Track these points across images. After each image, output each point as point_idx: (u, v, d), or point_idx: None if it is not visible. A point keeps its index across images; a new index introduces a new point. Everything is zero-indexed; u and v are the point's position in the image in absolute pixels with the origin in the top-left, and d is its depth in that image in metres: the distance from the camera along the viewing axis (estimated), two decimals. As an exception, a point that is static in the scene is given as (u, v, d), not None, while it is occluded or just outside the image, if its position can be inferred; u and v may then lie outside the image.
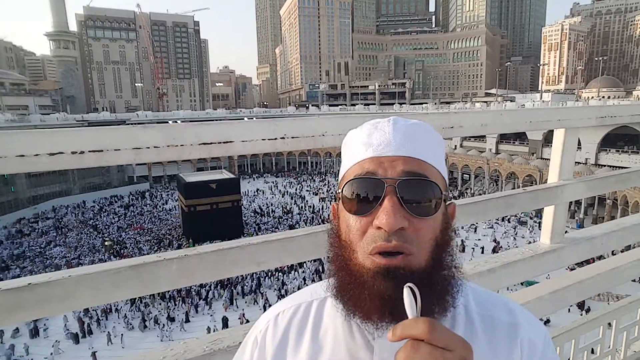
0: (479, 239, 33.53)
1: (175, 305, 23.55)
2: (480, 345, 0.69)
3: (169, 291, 24.46)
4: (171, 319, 21.95)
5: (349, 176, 0.69)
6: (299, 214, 44.62)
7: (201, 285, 25.01)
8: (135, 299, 23.65)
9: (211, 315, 22.44)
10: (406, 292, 0.56)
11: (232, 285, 25.42)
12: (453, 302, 0.67)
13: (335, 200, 0.72)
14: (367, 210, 0.64)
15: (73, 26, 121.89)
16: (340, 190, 0.69)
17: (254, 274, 26.33)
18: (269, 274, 27.03)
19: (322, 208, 46.27)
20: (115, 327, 21.46)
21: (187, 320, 22.05)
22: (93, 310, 22.62)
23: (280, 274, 27.28)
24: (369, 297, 0.63)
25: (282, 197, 53.41)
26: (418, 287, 0.56)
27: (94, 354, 18.65)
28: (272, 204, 48.84)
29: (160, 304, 23.56)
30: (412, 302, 0.55)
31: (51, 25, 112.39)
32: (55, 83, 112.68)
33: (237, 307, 23.40)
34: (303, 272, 27.59)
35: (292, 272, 27.61)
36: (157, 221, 43.48)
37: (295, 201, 50.69)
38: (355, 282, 0.65)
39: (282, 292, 24.78)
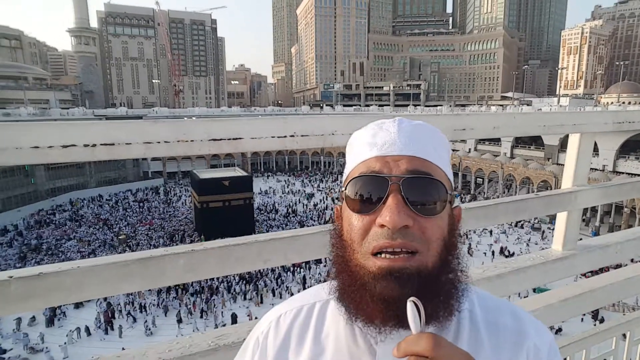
0: (491, 244, 33.13)
1: (202, 300, 24.01)
2: (485, 352, 0.68)
3: (193, 285, 25.18)
4: (203, 312, 22.58)
5: (353, 175, 0.68)
6: (303, 212, 44.94)
7: (222, 280, 25.79)
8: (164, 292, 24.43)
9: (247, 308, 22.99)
10: (409, 307, 0.55)
11: (256, 280, 26.15)
12: (458, 306, 0.66)
13: (334, 202, 0.75)
14: (370, 208, 0.63)
15: (94, 23, 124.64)
16: (344, 189, 0.68)
17: (276, 270, 27.22)
18: (291, 269, 27.73)
19: (332, 208, 46.22)
20: (144, 319, 21.80)
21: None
22: (118, 304, 23.10)
23: (301, 269, 27.82)
24: (371, 299, 0.61)
25: (294, 195, 53.58)
26: (423, 289, 0.56)
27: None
28: (282, 203, 49.10)
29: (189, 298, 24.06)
30: (415, 317, 0.54)
31: (73, 22, 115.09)
32: (75, 78, 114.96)
33: (262, 303, 23.86)
34: (324, 265, 27.98)
35: (316, 266, 28.12)
36: (171, 217, 44.03)
37: (305, 200, 50.84)
38: (357, 284, 0.63)
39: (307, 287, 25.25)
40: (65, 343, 19.02)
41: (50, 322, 21.14)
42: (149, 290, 23.90)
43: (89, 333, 20.34)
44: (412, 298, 0.55)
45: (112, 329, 20.88)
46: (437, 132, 0.73)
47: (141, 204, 49.73)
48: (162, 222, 41.81)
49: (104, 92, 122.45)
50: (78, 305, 22.67)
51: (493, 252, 31.18)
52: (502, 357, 0.69)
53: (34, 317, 21.39)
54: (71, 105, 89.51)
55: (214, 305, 23.26)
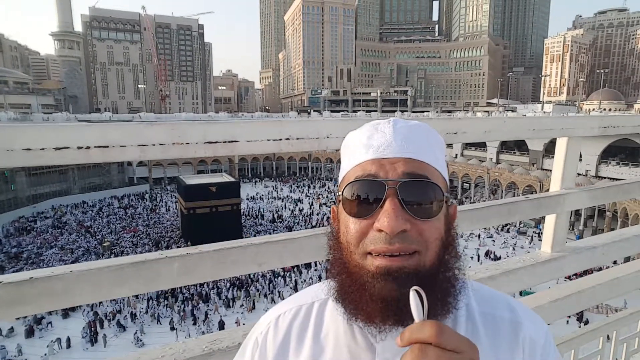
0: (477, 248, 33.49)
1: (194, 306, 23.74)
2: (483, 344, 0.68)
3: (182, 292, 24.82)
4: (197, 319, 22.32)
5: (350, 178, 0.68)
6: (291, 217, 44.96)
7: (212, 286, 25.64)
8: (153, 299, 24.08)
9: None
10: (412, 296, 0.55)
11: (247, 285, 26.04)
12: (456, 303, 0.66)
13: (335, 203, 0.73)
14: (368, 212, 0.63)
15: (78, 26, 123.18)
16: (340, 193, 0.68)
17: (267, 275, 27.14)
18: (280, 274, 27.68)
19: (318, 213, 46.37)
20: (134, 329, 21.30)
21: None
22: (105, 313, 22.64)
23: (292, 273, 27.84)
24: (371, 299, 0.62)
25: (282, 201, 53.43)
26: (422, 287, 0.56)
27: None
28: (269, 208, 48.94)
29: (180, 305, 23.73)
30: (418, 306, 0.55)
31: (57, 25, 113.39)
32: (58, 83, 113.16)
33: (255, 309, 23.68)
34: (316, 269, 27.93)
35: (307, 270, 28.16)
36: (156, 223, 43.40)
37: (294, 206, 50.77)
38: (356, 284, 0.64)
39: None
40: (45, 354, 18.49)
41: (30, 333, 20.48)
42: (136, 297, 23.55)
43: (68, 345, 19.64)
44: (415, 287, 0.56)
45: (97, 340, 20.26)
46: (432, 132, 0.73)
47: (126, 211, 48.94)
48: (148, 228, 41.17)
49: (88, 97, 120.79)
50: (65, 315, 22.15)
51: (479, 257, 31.57)
52: (499, 347, 0.70)
53: (12, 327, 20.69)
54: (54, 110, 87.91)
55: (207, 312, 23.02)
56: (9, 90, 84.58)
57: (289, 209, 49.14)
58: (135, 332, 20.51)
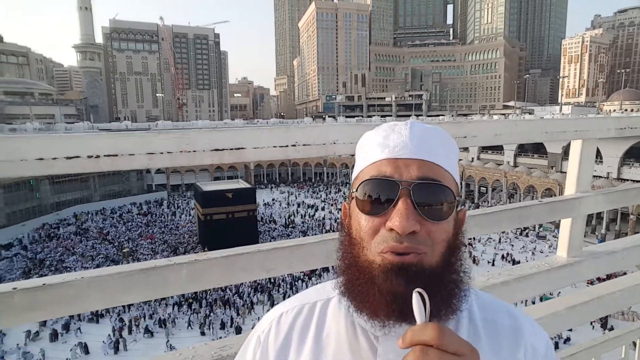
0: (496, 253, 32.85)
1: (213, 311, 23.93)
2: (484, 349, 0.69)
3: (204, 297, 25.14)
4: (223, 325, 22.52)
5: (364, 176, 0.69)
6: (302, 223, 45.15)
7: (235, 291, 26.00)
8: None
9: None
10: (415, 298, 0.56)
11: (269, 289, 26.33)
12: (459, 305, 0.67)
13: (346, 200, 0.75)
14: (380, 211, 0.64)
15: (99, 38, 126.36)
16: (354, 190, 0.69)
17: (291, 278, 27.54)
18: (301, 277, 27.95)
19: (336, 220, 46.36)
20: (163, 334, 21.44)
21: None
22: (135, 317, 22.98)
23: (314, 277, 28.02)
24: (379, 292, 0.63)
25: (298, 207, 53.59)
26: (427, 287, 0.56)
27: None
28: (285, 214, 49.19)
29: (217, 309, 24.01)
30: (421, 308, 0.55)
31: (79, 38, 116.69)
32: (80, 93, 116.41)
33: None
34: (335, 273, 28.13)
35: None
36: (174, 229, 44.01)
37: (309, 211, 50.84)
38: (364, 277, 0.65)
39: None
40: (68, 359, 18.84)
41: (54, 337, 20.98)
42: (165, 303, 23.95)
43: (87, 351, 19.81)
44: (417, 289, 0.56)
45: (119, 347, 20.29)
46: (448, 136, 0.73)
47: (145, 217, 49.81)
48: (165, 235, 41.78)
49: (108, 106, 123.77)
50: (93, 320, 22.69)
51: (493, 261, 30.99)
52: (501, 354, 0.70)
53: (37, 332, 21.23)
54: (76, 119, 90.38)
55: (232, 317, 23.29)
56: (35, 102, 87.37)
57: (302, 214, 49.34)
58: (168, 341, 20.54)
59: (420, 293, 0.56)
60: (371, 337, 0.69)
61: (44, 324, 21.46)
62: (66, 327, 21.63)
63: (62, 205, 49.91)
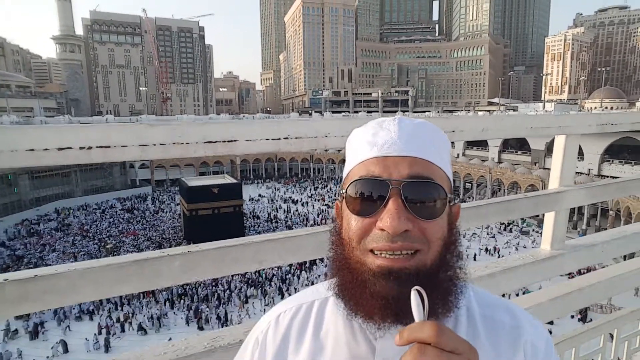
0: (480, 248, 33.44)
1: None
2: (484, 346, 0.68)
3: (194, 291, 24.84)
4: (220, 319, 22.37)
5: (354, 176, 0.67)
6: (286, 218, 45.19)
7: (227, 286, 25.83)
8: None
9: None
10: (413, 295, 0.55)
11: (261, 284, 26.16)
12: (457, 302, 0.66)
13: (337, 199, 0.74)
14: (371, 211, 0.63)
15: (79, 30, 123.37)
16: (344, 190, 0.68)
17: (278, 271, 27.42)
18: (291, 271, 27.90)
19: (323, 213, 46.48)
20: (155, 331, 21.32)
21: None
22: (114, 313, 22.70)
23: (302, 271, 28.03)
24: (371, 296, 0.62)
25: (284, 202, 53.49)
26: (423, 286, 0.56)
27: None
28: (272, 209, 49.06)
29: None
30: (419, 306, 0.54)
31: (58, 29, 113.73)
32: (60, 86, 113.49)
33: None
34: (325, 265, 28.13)
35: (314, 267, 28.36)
36: (158, 225, 43.45)
37: (294, 205, 50.85)
38: (357, 281, 0.64)
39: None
40: (47, 357, 18.44)
41: (34, 335, 20.47)
42: (155, 300, 23.60)
43: (66, 350, 19.38)
44: (416, 287, 0.56)
45: (105, 346, 19.84)
46: (438, 131, 0.72)
47: (129, 213, 49.03)
48: (149, 231, 41.20)
49: (90, 100, 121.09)
50: (92, 317, 22.41)
51: (475, 256, 31.74)
52: (500, 351, 0.70)
53: (16, 329, 20.63)
54: (56, 113, 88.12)
55: (226, 312, 23.14)
56: (12, 94, 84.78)
57: (285, 209, 49.33)
58: (170, 339, 20.25)
59: (418, 291, 0.55)
60: (369, 336, 0.68)
61: (27, 319, 20.92)
62: (41, 324, 21.02)
63: (43, 200, 48.70)
